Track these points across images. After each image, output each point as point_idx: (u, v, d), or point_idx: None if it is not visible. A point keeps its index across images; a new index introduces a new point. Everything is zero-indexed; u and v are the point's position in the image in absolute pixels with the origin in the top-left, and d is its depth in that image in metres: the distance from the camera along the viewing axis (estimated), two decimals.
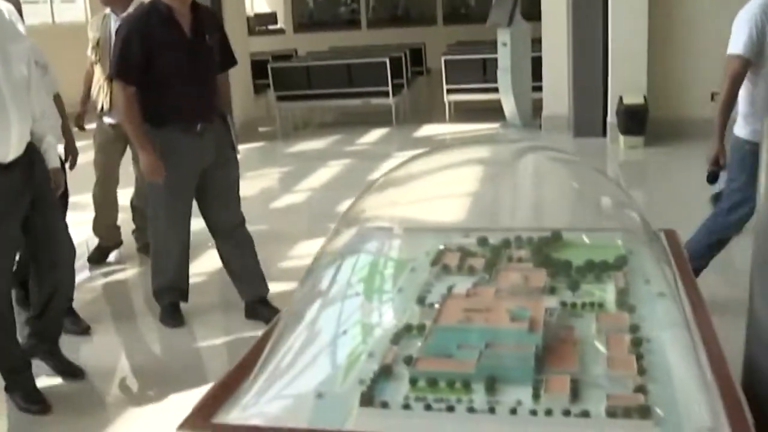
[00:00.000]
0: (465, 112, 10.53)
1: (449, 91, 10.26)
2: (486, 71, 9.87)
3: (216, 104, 4.31)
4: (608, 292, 2.46)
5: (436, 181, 3.18)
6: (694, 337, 2.10)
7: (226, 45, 4.40)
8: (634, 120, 7.74)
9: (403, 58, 11.12)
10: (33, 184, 3.50)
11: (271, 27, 17.16)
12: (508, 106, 9.28)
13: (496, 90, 9.43)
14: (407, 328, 2.25)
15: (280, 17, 17.28)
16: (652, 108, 7.83)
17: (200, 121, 4.18)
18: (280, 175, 8.31)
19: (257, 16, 17.29)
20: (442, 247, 2.91)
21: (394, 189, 3.09)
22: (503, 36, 8.98)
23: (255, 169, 8.11)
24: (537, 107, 9.21)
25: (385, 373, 2.02)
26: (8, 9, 3.44)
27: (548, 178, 3.07)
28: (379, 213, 3.03)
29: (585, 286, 2.51)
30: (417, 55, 12.87)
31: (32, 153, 3.51)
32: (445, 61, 10.18)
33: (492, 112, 9.76)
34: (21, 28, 3.49)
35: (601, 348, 2.07)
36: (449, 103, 10.38)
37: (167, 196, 4.27)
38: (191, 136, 4.17)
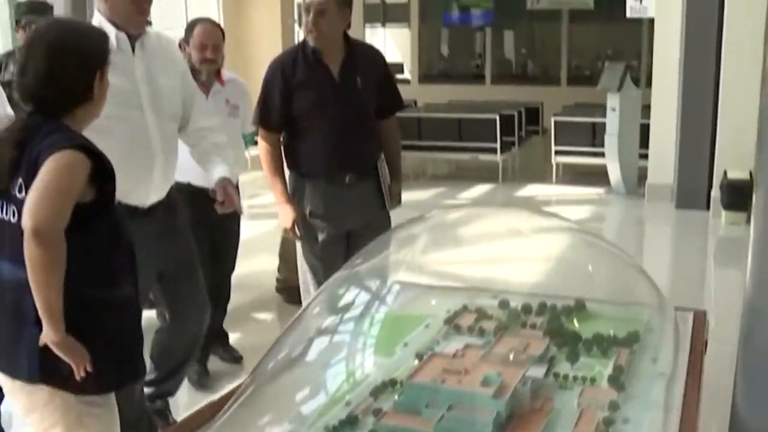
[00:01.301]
0: (572, 175, 10.41)
1: (557, 153, 10.18)
2: (595, 135, 9.75)
3: (371, 154, 3.86)
4: (607, 367, 2.44)
5: (474, 240, 3.25)
6: (671, 422, 2.06)
7: (390, 87, 3.95)
8: (738, 195, 7.48)
9: (516, 116, 11.13)
10: (172, 233, 3.26)
11: (398, 76, 17.55)
12: (614, 172, 9.13)
13: (604, 155, 9.31)
14: (391, 382, 2.30)
15: (407, 68, 17.62)
16: None
17: (348, 172, 3.75)
18: None
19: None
20: (461, 306, 2.95)
21: (431, 243, 3.18)
22: (612, 101, 8.88)
23: None
24: (643, 175, 9.03)
25: (350, 422, 2.08)
26: (166, 38, 3.28)
27: (583, 254, 3.08)
28: (411, 265, 3.11)
29: (586, 359, 2.50)
30: (534, 113, 12.83)
31: (174, 199, 3.27)
32: (555, 122, 10.13)
33: (599, 176, 9.61)
34: (179, 59, 3.32)
35: (570, 422, 2.06)
36: (557, 165, 10.30)
37: (311, 255, 3.83)
38: (337, 188, 3.74)
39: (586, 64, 16.53)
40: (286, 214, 3.77)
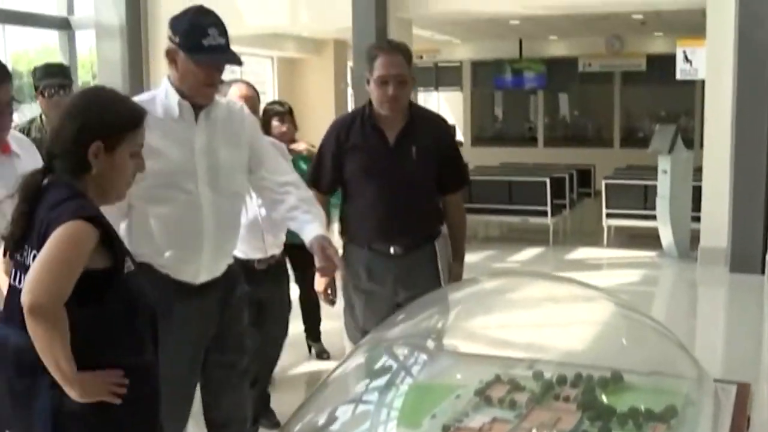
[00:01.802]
0: (624, 238, 10.28)
1: (609, 216, 10.07)
2: (647, 198, 9.62)
3: (421, 227, 3.66)
4: None
5: (513, 308, 3.21)
6: None
7: (455, 163, 3.75)
8: None
9: (567, 179, 11.06)
10: (226, 314, 3.03)
11: None
12: (665, 235, 8.99)
13: (656, 217, 9.18)
14: None
15: (459, 130, 17.72)
16: None
17: (393, 243, 3.58)
18: None
19: None
20: (493, 376, 2.88)
21: (470, 309, 3.14)
22: (664, 163, 8.79)
23: None
24: (696, 238, 8.86)
25: None
26: (236, 107, 3.11)
27: (621, 325, 3.02)
28: (448, 332, 3.07)
29: None
30: (586, 176, 12.75)
31: (233, 279, 3.07)
32: (606, 184, 10.04)
33: (651, 239, 9.48)
34: (248, 126, 3.09)
35: None
36: (608, 228, 10.17)
37: (353, 328, 3.71)
38: (381, 259, 3.60)
39: (639, 126, 16.46)
40: (320, 278, 3.62)
